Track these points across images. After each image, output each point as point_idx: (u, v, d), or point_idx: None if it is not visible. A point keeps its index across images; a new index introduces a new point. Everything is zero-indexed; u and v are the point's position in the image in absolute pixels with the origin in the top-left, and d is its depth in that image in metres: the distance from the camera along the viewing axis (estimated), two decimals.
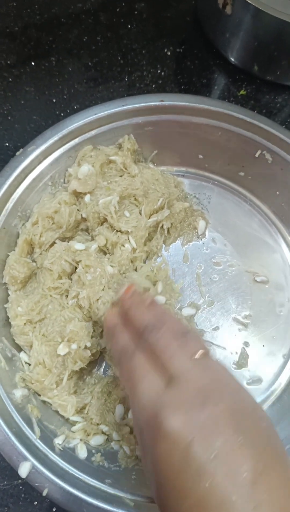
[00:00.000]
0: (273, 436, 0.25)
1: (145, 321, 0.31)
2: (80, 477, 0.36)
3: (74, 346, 0.40)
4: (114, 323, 0.35)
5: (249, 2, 0.48)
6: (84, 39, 0.60)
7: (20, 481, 0.42)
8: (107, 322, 0.37)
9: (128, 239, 0.46)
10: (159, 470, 0.24)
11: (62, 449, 0.38)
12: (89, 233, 0.47)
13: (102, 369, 0.45)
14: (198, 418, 0.24)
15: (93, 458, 0.39)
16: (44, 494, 0.34)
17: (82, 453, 0.39)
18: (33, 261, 0.45)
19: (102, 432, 0.41)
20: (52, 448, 0.38)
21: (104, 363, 0.45)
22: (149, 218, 0.47)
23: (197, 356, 0.28)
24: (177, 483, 0.23)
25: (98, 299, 0.40)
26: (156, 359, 0.28)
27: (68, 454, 0.38)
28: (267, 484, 0.22)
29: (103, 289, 0.41)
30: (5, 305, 0.43)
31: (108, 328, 0.36)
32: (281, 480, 0.23)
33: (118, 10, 0.63)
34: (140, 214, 0.46)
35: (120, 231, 0.45)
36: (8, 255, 0.44)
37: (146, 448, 0.26)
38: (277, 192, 0.49)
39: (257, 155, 0.48)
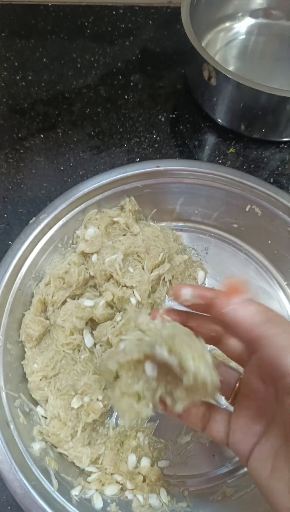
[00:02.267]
0: None
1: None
2: None
3: (86, 398, 0.43)
4: None
5: (230, 77, 0.54)
6: (87, 111, 0.67)
7: None
8: None
9: (133, 293, 0.49)
10: None
11: (79, 500, 0.40)
12: (97, 289, 0.51)
13: (114, 419, 0.47)
14: None
15: (108, 508, 0.41)
16: None
17: (98, 503, 0.41)
18: (47, 318, 0.49)
19: (116, 482, 0.43)
20: (69, 499, 0.40)
21: (116, 413, 0.47)
22: (152, 272, 0.51)
23: None
24: None
25: None
26: None
27: (85, 505, 0.40)
28: None
29: None
30: (22, 362, 0.47)
31: None
32: None
33: (116, 83, 0.71)
34: (143, 269, 0.50)
35: (125, 286, 0.49)
36: (24, 315, 0.48)
37: None
38: (269, 241, 0.53)
39: (247, 209, 0.52)
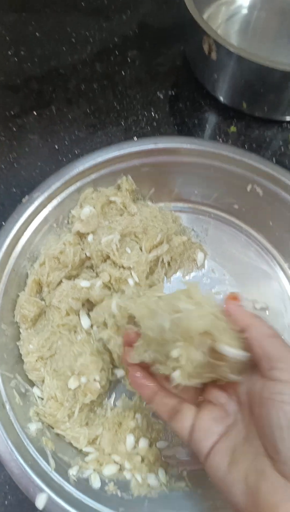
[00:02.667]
0: None
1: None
2: (94, 507, 0.38)
3: (83, 379, 0.42)
4: None
5: (231, 50, 0.52)
6: (82, 88, 0.65)
7: None
8: None
9: (131, 274, 0.48)
10: None
11: (76, 480, 0.40)
12: (93, 270, 0.50)
13: (112, 400, 0.47)
14: None
15: (106, 488, 0.41)
16: None
17: (95, 483, 0.41)
18: (42, 299, 0.48)
19: (114, 462, 0.42)
20: (67, 479, 0.39)
21: (114, 394, 0.47)
22: (150, 253, 0.50)
23: None
24: None
25: None
26: None
27: (83, 484, 0.40)
28: None
29: None
30: (17, 343, 0.46)
31: None
32: None
33: (112, 59, 0.68)
34: (141, 250, 0.49)
35: (122, 267, 0.48)
36: (18, 295, 0.47)
37: None
38: (270, 223, 0.52)
39: (248, 189, 0.51)
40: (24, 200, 0.48)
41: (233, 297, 0.42)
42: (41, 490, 0.37)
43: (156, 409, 0.36)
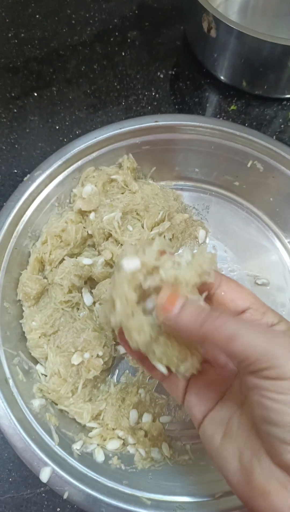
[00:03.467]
0: None
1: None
2: (98, 480, 0.38)
3: (86, 355, 0.42)
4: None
5: (231, 26, 0.51)
6: (82, 69, 0.65)
7: (42, 489, 0.44)
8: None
9: None
10: None
11: (80, 454, 0.40)
12: (95, 248, 0.50)
13: (115, 377, 0.47)
14: None
15: (110, 462, 0.41)
16: (64, 497, 0.36)
17: (99, 457, 0.41)
18: (44, 277, 0.48)
19: (118, 437, 0.43)
20: (70, 453, 0.40)
21: (117, 371, 0.47)
22: (151, 230, 0.49)
23: None
24: None
25: None
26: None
27: (86, 458, 0.40)
28: None
29: None
30: (20, 321, 0.46)
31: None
32: None
33: (112, 39, 0.68)
34: (142, 227, 0.49)
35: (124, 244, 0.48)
36: (20, 274, 0.47)
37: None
38: (271, 199, 0.51)
39: (249, 165, 0.50)
40: (25, 179, 0.48)
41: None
42: (45, 464, 0.37)
43: (149, 371, 0.34)
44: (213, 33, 0.56)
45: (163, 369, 0.30)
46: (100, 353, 0.43)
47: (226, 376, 0.31)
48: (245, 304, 0.30)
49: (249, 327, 0.25)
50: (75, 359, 0.43)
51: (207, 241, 0.52)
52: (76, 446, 0.41)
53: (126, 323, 0.29)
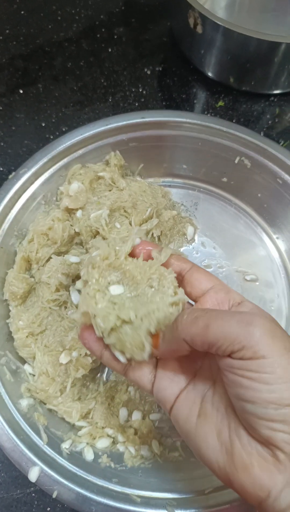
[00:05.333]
0: None
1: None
2: (88, 478, 0.38)
3: (75, 353, 0.42)
4: None
5: (217, 22, 0.51)
6: (68, 65, 0.64)
7: (32, 489, 0.43)
8: None
9: None
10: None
11: (69, 453, 0.40)
12: (83, 246, 0.50)
13: (104, 375, 0.46)
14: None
15: (100, 460, 0.41)
16: (54, 496, 0.36)
17: (89, 455, 0.41)
18: (31, 276, 0.47)
19: (108, 435, 0.42)
20: (59, 452, 0.39)
21: (106, 369, 0.47)
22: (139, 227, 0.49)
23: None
24: None
25: None
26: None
27: (76, 457, 0.40)
28: None
29: None
30: (7, 321, 0.45)
31: None
32: None
33: (98, 36, 0.67)
34: (130, 224, 0.49)
35: None
36: (7, 273, 0.46)
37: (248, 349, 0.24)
38: (259, 195, 0.51)
39: (236, 161, 0.50)
40: (10, 176, 0.48)
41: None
42: (34, 464, 0.37)
43: (108, 364, 0.32)
44: (199, 29, 0.55)
45: (123, 358, 0.30)
46: (89, 352, 0.42)
47: (195, 356, 0.31)
48: (210, 284, 0.31)
49: (218, 315, 0.26)
50: (63, 358, 0.42)
51: (196, 238, 0.52)
52: (65, 445, 0.40)
53: (94, 308, 0.30)
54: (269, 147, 0.48)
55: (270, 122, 0.59)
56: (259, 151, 0.48)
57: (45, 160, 0.48)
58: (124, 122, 0.50)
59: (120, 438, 0.42)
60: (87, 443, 0.42)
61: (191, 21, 0.56)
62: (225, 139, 0.50)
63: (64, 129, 0.58)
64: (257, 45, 0.53)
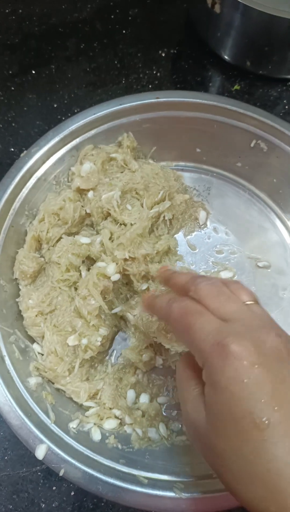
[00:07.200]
0: None
1: (190, 276, 0.33)
2: (95, 458, 0.38)
3: (84, 341, 0.41)
4: (153, 295, 0.37)
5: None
6: (82, 46, 0.63)
7: (38, 467, 0.43)
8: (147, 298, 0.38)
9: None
10: (230, 392, 0.24)
11: (76, 432, 0.40)
12: (94, 228, 0.49)
13: (113, 358, 0.46)
14: (263, 345, 0.24)
15: (107, 441, 0.40)
16: (60, 474, 0.36)
17: (96, 436, 0.40)
18: (41, 256, 0.47)
19: (115, 416, 0.42)
20: (67, 431, 0.39)
21: (115, 351, 0.46)
22: (151, 209, 0.48)
23: (248, 302, 0.29)
24: (250, 404, 0.23)
25: None
26: (207, 305, 0.29)
27: (83, 437, 0.40)
28: None
29: None
30: (17, 299, 0.45)
31: (149, 298, 0.37)
32: None
33: (112, 17, 0.66)
34: (142, 206, 0.48)
35: (123, 223, 0.47)
36: (17, 252, 0.46)
37: (213, 376, 0.25)
38: (274, 180, 0.50)
39: (252, 145, 0.49)
40: (22, 154, 0.47)
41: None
42: (41, 442, 0.37)
43: None
44: (217, 8, 0.54)
45: None
46: (99, 339, 0.42)
47: None
48: None
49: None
50: (72, 341, 0.42)
51: (208, 223, 0.52)
52: (73, 425, 0.40)
53: None
54: (287, 130, 0.47)
55: (287, 107, 0.58)
56: (276, 134, 0.47)
57: (57, 139, 0.48)
58: (138, 102, 0.49)
59: (127, 419, 0.42)
60: (95, 424, 0.41)
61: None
62: (241, 121, 0.49)
63: (76, 111, 0.58)
64: (277, 25, 0.51)
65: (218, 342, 0.25)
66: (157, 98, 0.49)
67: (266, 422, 0.22)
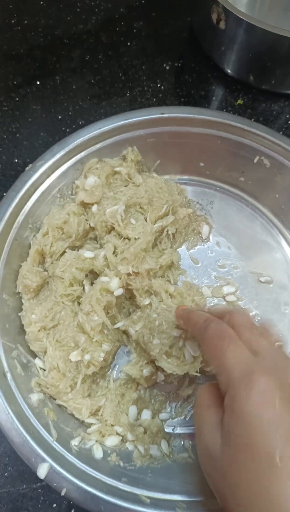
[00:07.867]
0: None
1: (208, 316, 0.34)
2: (97, 477, 0.37)
3: (87, 357, 0.41)
4: (189, 308, 0.40)
5: (241, 17, 0.50)
6: (86, 58, 0.63)
7: (39, 484, 0.43)
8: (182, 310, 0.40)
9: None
10: (249, 423, 0.24)
11: (78, 450, 0.39)
12: (97, 242, 0.49)
13: (115, 372, 0.46)
14: (287, 386, 0.26)
15: (109, 458, 0.40)
16: (62, 493, 0.35)
17: (98, 453, 0.40)
18: (45, 270, 0.47)
19: (117, 433, 0.42)
20: (69, 449, 0.39)
21: (117, 365, 0.46)
22: (155, 224, 0.48)
23: (277, 343, 0.31)
24: (268, 438, 0.23)
25: None
26: (240, 333, 0.30)
27: (85, 454, 0.39)
28: None
29: None
30: (20, 314, 0.45)
31: (185, 310, 0.39)
32: None
33: (117, 29, 0.66)
34: (146, 220, 0.48)
35: (127, 238, 0.47)
36: (20, 266, 0.46)
37: (235, 404, 0.26)
38: (277, 195, 0.51)
39: (255, 160, 0.50)
40: (27, 168, 0.47)
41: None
42: (43, 460, 0.36)
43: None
44: (222, 25, 0.55)
45: None
46: (102, 355, 0.42)
47: None
48: None
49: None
50: (74, 357, 0.42)
51: (211, 237, 0.52)
52: (75, 442, 0.40)
53: None
54: None
55: (289, 122, 0.58)
56: (279, 151, 0.48)
57: (62, 153, 0.48)
58: (143, 117, 0.49)
59: (129, 436, 0.42)
60: (96, 441, 0.41)
61: (214, 16, 0.55)
62: (245, 137, 0.49)
63: (80, 123, 0.58)
64: (280, 43, 0.52)
65: (246, 373, 0.26)
66: (162, 113, 0.49)
67: (283, 458, 0.22)
